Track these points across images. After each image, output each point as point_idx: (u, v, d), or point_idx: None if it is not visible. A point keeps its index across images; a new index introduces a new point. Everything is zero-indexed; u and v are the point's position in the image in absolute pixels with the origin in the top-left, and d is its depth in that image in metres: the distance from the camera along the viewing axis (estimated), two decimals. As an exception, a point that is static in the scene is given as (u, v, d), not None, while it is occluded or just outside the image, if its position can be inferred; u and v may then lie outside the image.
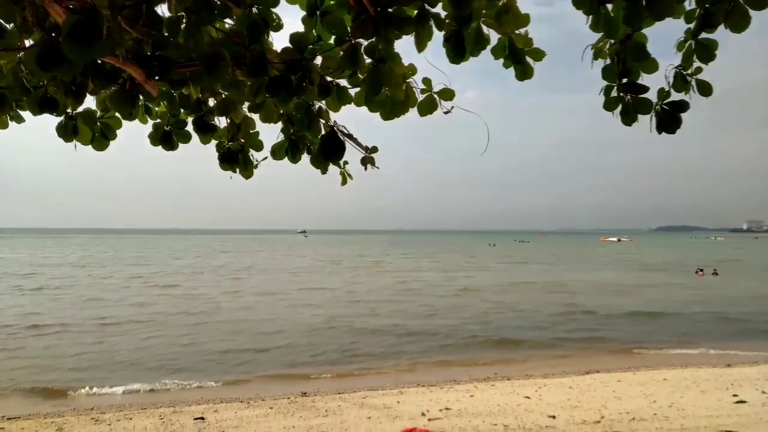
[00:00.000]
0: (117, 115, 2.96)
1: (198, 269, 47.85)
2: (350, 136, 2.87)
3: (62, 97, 2.58)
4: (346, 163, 3.16)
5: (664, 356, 15.66)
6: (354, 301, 27.29)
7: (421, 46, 2.37)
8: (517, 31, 2.50)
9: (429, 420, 8.85)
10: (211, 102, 3.06)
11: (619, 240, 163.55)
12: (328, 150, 2.82)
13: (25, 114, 2.79)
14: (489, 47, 2.54)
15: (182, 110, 3.07)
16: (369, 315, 22.79)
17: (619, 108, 2.50)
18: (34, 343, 17.07)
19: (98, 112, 2.98)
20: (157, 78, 2.41)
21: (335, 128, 2.83)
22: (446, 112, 2.76)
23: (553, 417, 8.88)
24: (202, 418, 9.11)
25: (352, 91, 2.78)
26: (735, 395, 10.11)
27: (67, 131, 2.81)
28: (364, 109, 2.72)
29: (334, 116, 2.92)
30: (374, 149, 3.04)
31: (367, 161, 3.04)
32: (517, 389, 11.26)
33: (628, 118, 2.46)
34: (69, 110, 2.84)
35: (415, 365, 14.70)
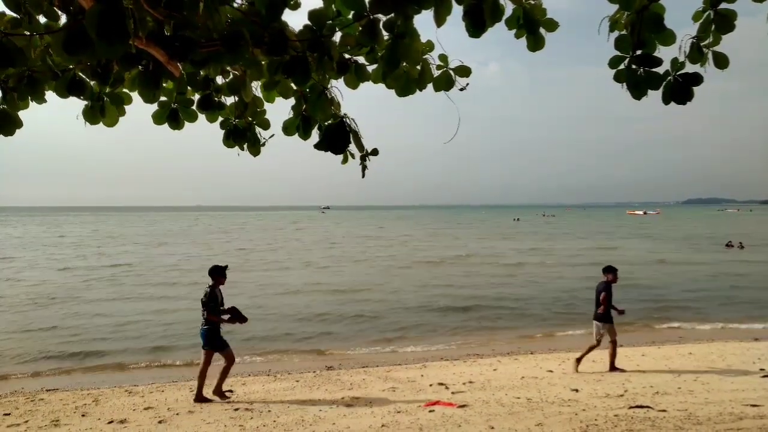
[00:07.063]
0: (125, 90, 2.95)
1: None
2: (356, 133, 2.84)
3: (89, 79, 2.65)
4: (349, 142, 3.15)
5: (689, 330, 15.50)
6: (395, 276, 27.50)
7: (440, 20, 2.35)
8: (532, 2, 2.49)
9: (452, 393, 8.97)
10: (219, 80, 3.05)
11: (645, 213, 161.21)
12: (333, 141, 2.79)
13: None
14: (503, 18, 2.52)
15: (189, 88, 3.04)
16: (402, 291, 23.01)
17: (629, 81, 2.46)
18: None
19: (107, 88, 2.96)
20: (179, 59, 2.45)
21: (344, 120, 2.82)
22: (462, 89, 2.77)
23: (576, 390, 8.92)
24: (231, 391, 9.37)
25: (370, 68, 2.78)
26: (762, 369, 10.02)
27: (94, 113, 2.87)
28: (373, 88, 2.71)
29: (344, 110, 2.90)
30: (374, 152, 3.01)
31: (362, 164, 3.01)
32: (541, 363, 11.32)
33: (638, 92, 2.43)
34: (94, 92, 2.88)
35: (439, 339, 14.85)
